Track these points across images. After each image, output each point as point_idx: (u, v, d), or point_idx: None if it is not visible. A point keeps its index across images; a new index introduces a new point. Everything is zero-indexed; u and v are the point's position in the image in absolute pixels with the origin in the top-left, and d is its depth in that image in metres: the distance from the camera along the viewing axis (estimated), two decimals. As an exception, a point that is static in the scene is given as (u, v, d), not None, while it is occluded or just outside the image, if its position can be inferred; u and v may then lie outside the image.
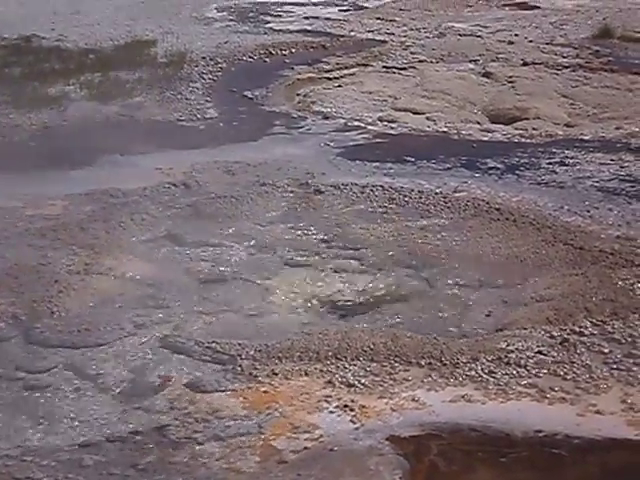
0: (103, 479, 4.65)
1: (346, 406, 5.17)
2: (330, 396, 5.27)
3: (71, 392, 5.44)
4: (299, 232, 7.51)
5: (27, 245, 7.19)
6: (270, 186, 8.31)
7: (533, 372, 5.46)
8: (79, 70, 12.03)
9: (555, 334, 5.84)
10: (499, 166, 9.00)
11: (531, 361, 5.56)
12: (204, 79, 11.86)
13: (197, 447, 4.87)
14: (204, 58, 12.66)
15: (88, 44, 13.39)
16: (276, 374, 5.50)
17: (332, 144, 9.66)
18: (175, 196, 8.14)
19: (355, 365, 5.57)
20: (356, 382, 5.40)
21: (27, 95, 10.90)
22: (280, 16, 15.84)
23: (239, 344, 5.80)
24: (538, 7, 16.67)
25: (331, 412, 5.15)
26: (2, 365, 5.65)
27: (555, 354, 5.63)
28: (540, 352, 5.65)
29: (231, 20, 15.47)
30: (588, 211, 7.81)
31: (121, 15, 15.47)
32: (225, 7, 16.43)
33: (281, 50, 13.35)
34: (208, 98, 11.18)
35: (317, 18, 15.62)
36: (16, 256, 6.98)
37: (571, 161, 9.10)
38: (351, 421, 5.05)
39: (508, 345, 5.72)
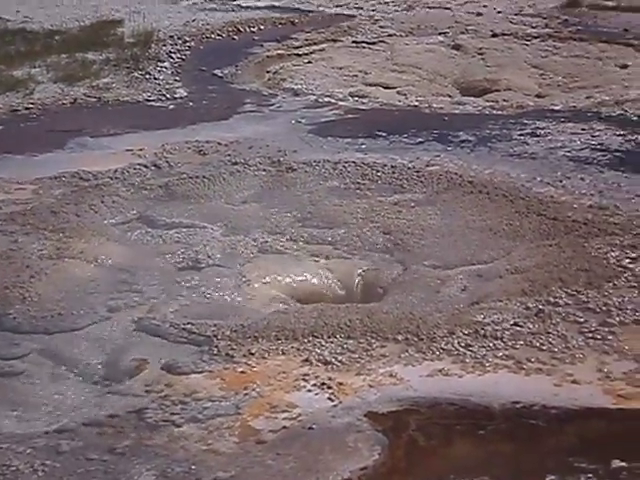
0: (81, 464, 4.61)
1: (324, 384, 5.15)
2: (307, 374, 5.25)
3: (46, 378, 5.38)
4: (272, 211, 7.45)
5: (-3, 231, 7.11)
6: (242, 165, 8.25)
7: (509, 344, 5.45)
8: (45, 52, 11.91)
9: (530, 305, 5.85)
10: (471, 139, 9.00)
11: (507, 333, 5.56)
12: (173, 58, 11.77)
13: (175, 429, 4.84)
14: (172, 37, 12.56)
15: (54, 25, 13.25)
16: (253, 354, 5.46)
17: (303, 121, 9.62)
18: (146, 177, 8.07)
19: (332, 343, 5.54)
20: (333, 360, 5.37)
21: (-7, 78, 10.77)
22: (247, -7, 15.72)
23: (215, 325, 5.76)
24: (506, -22, 16.62)
25: (309, 390, 5.12)
26: (-25, 353, 5.59)
27: (531, 325, 5.64)
28: (516, 324, 5.65)
29: (198, -2, 15.35)
30: (561, 181, 7.82)
31: (86, -5, 15.30)
32: (192, -15, 16.29)
33: (249, 27, 13.28)
34: (177, 77, 11.10)
35: (285, -6, 15.53)
36: (-14, 242, 6.91)
37: (542, 132, 9.11)
38: (329, 399, 5.03)
39: (484, 318, 5.71)
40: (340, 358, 5.39)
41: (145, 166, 8.29)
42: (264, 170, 8.14)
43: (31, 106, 10.10)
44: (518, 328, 5.61)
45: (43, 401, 5.17)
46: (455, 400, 4.99)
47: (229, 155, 8.52)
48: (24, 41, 12.46)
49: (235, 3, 14.91)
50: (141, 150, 8.69)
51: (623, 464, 4.42)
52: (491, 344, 5.46)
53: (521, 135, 9.05)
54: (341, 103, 10.26)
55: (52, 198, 7.66)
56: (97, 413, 5.01)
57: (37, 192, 7.81)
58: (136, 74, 11.14)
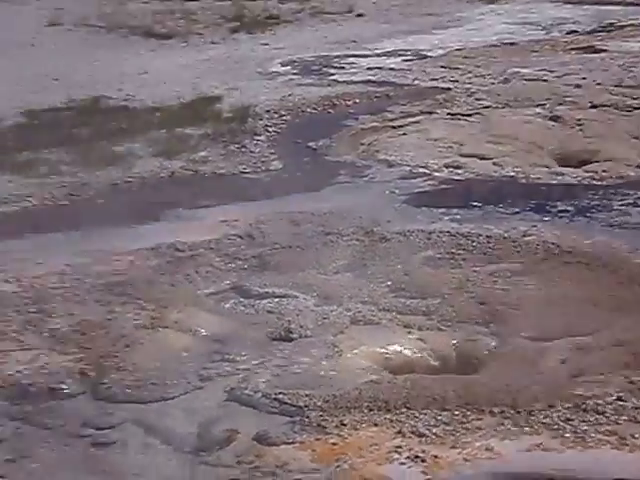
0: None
1: (417, 457, 5.02)
2: (400, 447, 5.13)
3: (139, 448, 5.39)
4: (365, 281, 7.39)
5: (94, 301, 7.21)
6: (335, 235, 8.24)
7: (612, 419, 5.25)
8: (145, 128, 12.18)
9: (634, 379, 5.63)
10: (569, 209, 8.83)
11: (610, 407, 5.36)
12: (268, 132, 11.91)
13: (265, 502, 4.77)
14: (268, 111, 12.73)
15: (155, 102, 13.57)
16: (345, 425, 5.37)
17: (397, 191, 9.59)
18: (240, 248, 8.12)
19: (425, 414, 5.42)
20: (427, 432, 5.25)
21: (95, 154, 11.06)
22: (343, 68, 15.88)
23: (306, 395, 5.69)
24: (605, 50, 16.40)
25: (402, 463, 5.00)
26: (69, 422, 5.63)
27: (635, 400, 5.42)
28: (619, 398, 5.44)
29: (295, 74, 15.54)
30: (665, 252, 7.59)
31: (187, 73, 15.66)
32: (289, 61, 16.52)
33: (345, 101, 13.37)
34: (272, 150, 11.21)
35: (380, 68, 15.61)
36: (83, 312, 7.01)
37: (645, 202, 8.90)
38: (423, 472, 4.91)
39: (585, 391, 5.52)
40: (434, 430, 5.26)
41: (239, 237, 8.34)
42: (357, 240, 8.11)
43: (130, 180, 10.32)
44: (622, 402, 5.41)
45: (135, 472, 5.17)
46: (555, 476, 4.82)
47: (322, 225, 8.52)
48: (125, 118, 12.79)
49: (331, 78, 15.07)
50: (236, 221, 8.76)
51: None
52: (593, 419, 5.26)
53: (622, 205, 8.85)
54: (435, 174, 10.19)
55: (148, 269, 7.76)
56: (188, 484, 4.97)
57: (134, 263, 7.91)
58: (232, 147, 11.30)
